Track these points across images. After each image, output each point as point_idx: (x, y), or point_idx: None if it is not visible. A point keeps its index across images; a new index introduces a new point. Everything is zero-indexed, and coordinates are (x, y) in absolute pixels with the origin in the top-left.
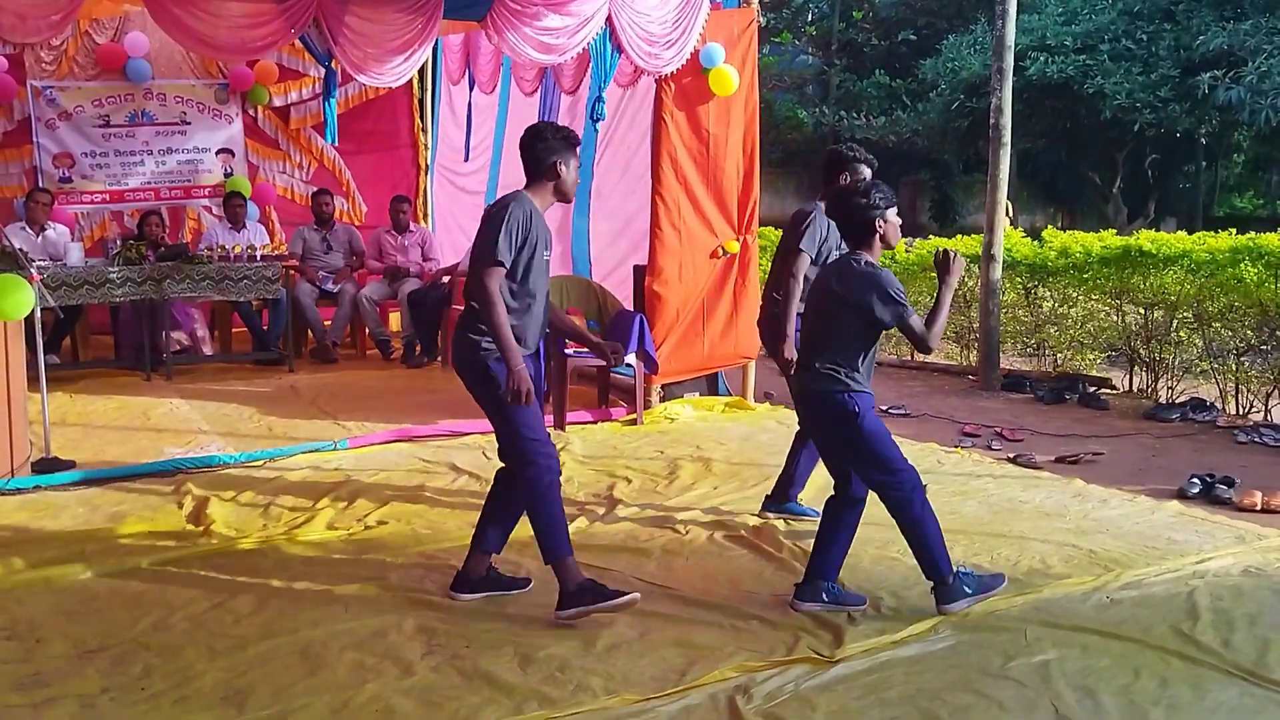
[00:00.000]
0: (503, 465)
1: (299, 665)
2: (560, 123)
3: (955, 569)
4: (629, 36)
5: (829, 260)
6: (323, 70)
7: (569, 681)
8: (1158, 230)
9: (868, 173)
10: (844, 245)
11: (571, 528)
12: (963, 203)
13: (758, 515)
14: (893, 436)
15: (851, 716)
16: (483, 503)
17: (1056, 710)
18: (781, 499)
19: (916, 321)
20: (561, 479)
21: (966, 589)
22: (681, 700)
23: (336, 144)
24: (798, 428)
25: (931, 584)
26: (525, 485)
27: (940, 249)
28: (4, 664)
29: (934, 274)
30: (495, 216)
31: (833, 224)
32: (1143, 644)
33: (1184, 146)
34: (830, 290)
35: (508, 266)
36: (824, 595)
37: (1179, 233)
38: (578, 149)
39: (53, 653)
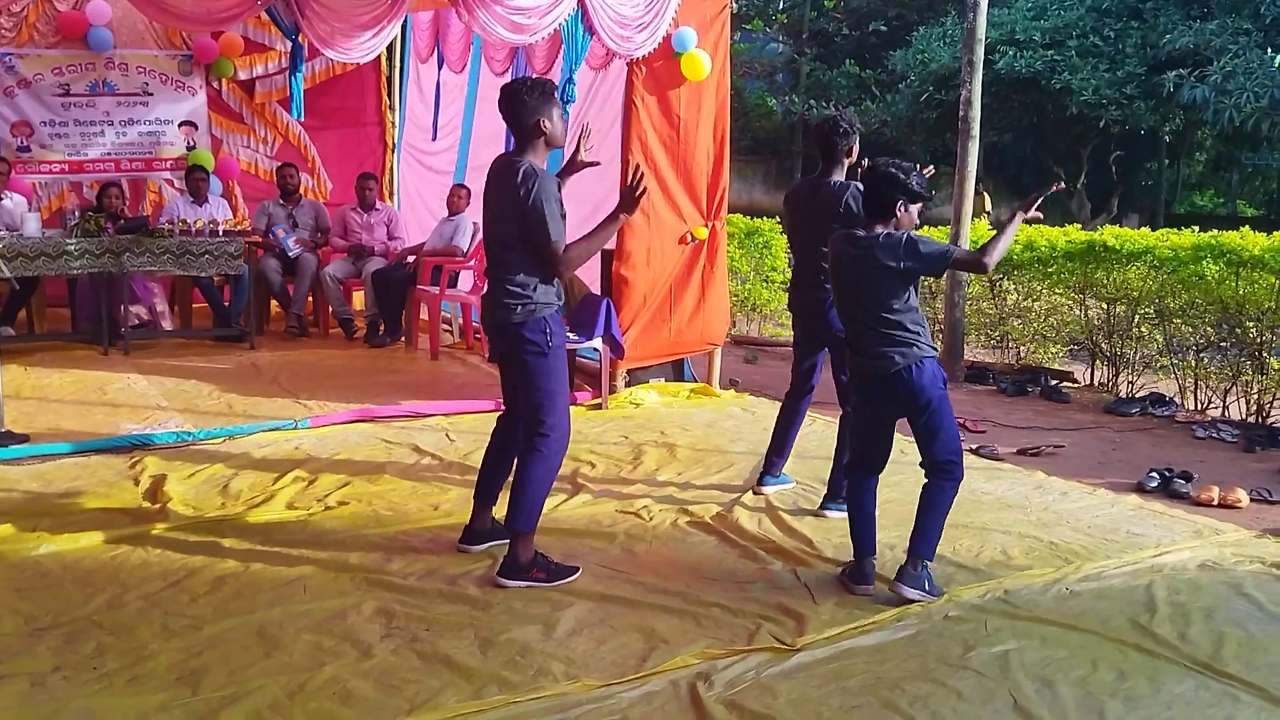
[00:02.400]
0: (502, 420)
1: (255, 646)
2: None
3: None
4: (601, 18)
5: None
6: (289, 44)
7: (529, 666)
8: (1120, 226)
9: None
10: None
11: None
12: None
13: (755, 492)
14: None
15: (812, 705)
16: (447, 480)
17: (1015, 701)
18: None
19: (964, 252)
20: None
21: (926, 584)
22: (643, 686)
23: (302, 119)
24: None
25: (905, 563)
26: (538, 457)
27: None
28: None
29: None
30: (536, 203)
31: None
32: (1101, 636)
33: (1147, 144)
34: (876, 264)
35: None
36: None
37: (1143, 229)
38: (556, 96)
39: (3, 630)
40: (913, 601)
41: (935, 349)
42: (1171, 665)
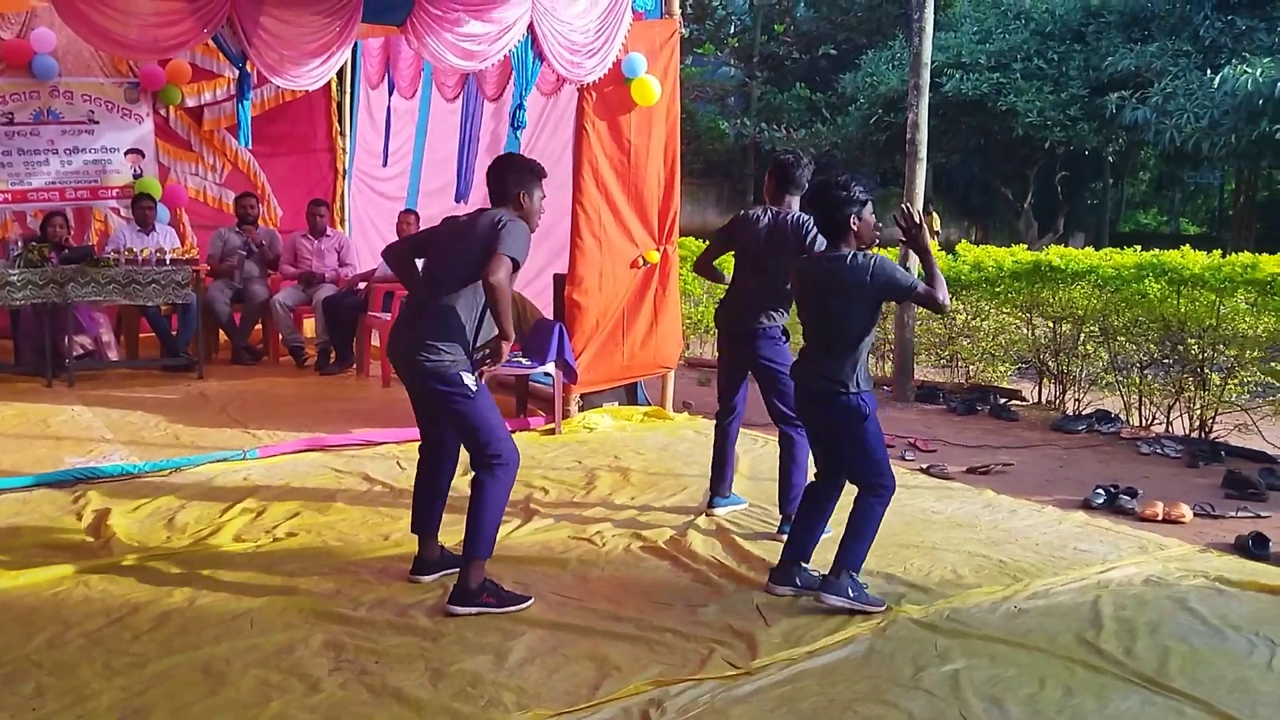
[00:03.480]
0: (423, 449)
1: (200, 683)
2: (483, 130)
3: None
4: (550, 44)
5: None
6: (237, 72)
7: (480, 697)
8: (1066, 245)
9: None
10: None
11: None
12: (879, 215)
13: (706, 514)
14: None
15: None
16: (397, 508)
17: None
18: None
19: (924, 287)
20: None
21: (851, 591)
22: (594, 715)
23: (250, 147)
24: (718, 423)
25: (828, 573)
26: (496, 483)
27: (902, 209)
28: None
29: None
30: (508, 229)
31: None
32: (1049, 653)
33: (1092, 164)
34: (837, 289)
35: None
36: (798, 580)
37: (1087, 249)
38: (542, 181)
39: None
40: (838, 610)
41: (868, 389)
42: (1118, 681)
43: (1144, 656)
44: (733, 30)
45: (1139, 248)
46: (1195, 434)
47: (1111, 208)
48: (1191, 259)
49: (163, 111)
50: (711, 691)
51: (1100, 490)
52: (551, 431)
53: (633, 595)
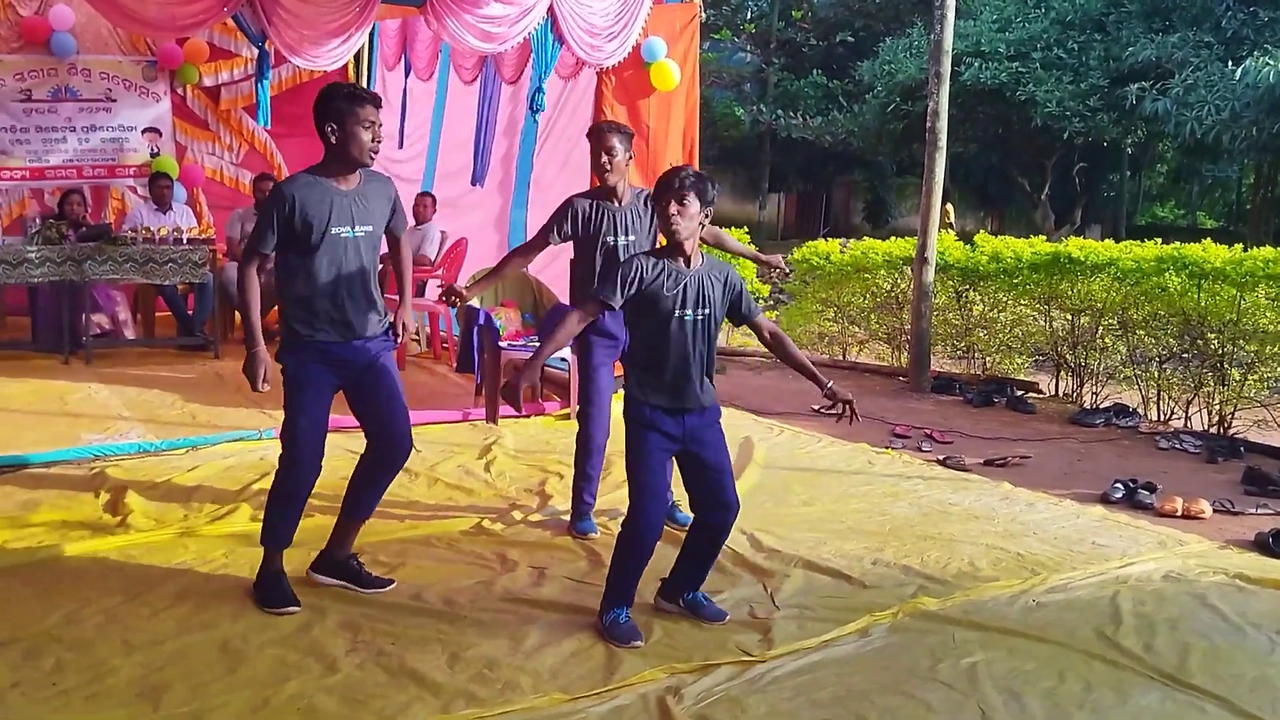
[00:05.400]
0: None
1: (218, 661)
2: (500, 113)
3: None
4: (570, 27)
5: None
6: (255, 51)
7: (497, 680)
8: (1082, 237)
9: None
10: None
11: (501, 523)
12: (895, 204)
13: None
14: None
15: (782, 718)
16: (412, 490)
17: (983, 713)
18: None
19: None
20: (493, 473)
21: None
22: (611, 700)
23: (269, 127)
24: None
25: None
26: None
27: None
28: None
29: (865, 274)
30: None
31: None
32: (1067, 647)
33: (1110, 155)
34: None
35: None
36: (680, 601)
37: (1106, 241)
38: (360, 107)
39: None
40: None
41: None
42: (1137, 677)
43: (1164, 652)
44: (749, 16)
45: (1158, 240)
46: (1214, 429)
47: (1129, 200)
48: (1213, 253)
49: (180, 90)
50: (727, 679)
51: (1119, 485)
52: (567, 416)
53: (647, 581)
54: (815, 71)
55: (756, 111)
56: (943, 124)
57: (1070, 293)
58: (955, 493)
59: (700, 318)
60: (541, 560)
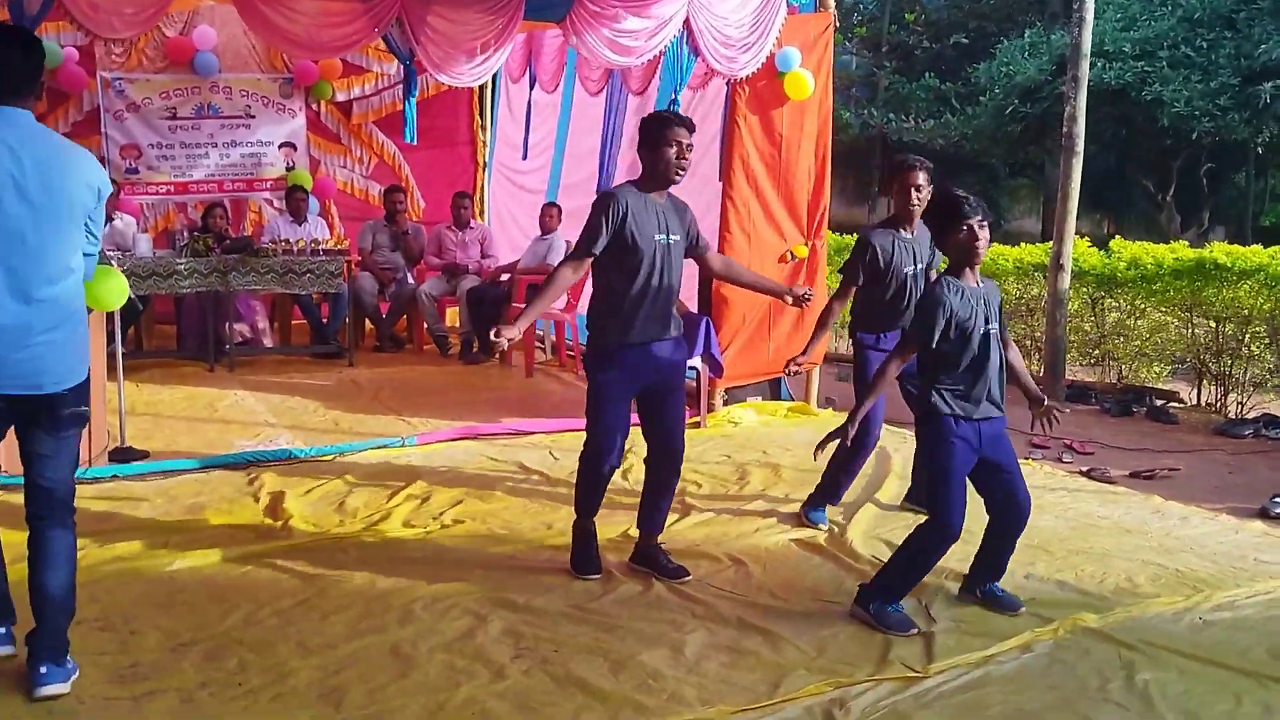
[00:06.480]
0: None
1: (391, 665)
2: (627, 124)
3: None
4: (706, 40)
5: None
6: (386, 67)
7: (663, 690)
8: (1207, 239)
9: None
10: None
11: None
12: (1008, 207)
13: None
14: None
15: None
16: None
17: None
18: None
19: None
20: (631, 480)
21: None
22: (777, 713)
23: (415, 142)
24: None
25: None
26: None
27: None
28: (101, 655)
29: (994, 280)
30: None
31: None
32: (1240, 670)
33: (1236, 155)
34: None
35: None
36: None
37: (1254, 246)
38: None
39: (147, 645)
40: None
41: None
42: None
43: None
44: (858, 19)
45: None
46: None
47: (1254, 200)
48: None
49: (314, 106)
50: (891, 694)
51: (1278, 499)
52: (697, 425)
53: (798, 593)
54: (927, 74)
55: (867, 115)
56: (1080, 128)
57: (1215, 299)
58: (1103, 506)
59: (993, 330)
60: (690, 569)
